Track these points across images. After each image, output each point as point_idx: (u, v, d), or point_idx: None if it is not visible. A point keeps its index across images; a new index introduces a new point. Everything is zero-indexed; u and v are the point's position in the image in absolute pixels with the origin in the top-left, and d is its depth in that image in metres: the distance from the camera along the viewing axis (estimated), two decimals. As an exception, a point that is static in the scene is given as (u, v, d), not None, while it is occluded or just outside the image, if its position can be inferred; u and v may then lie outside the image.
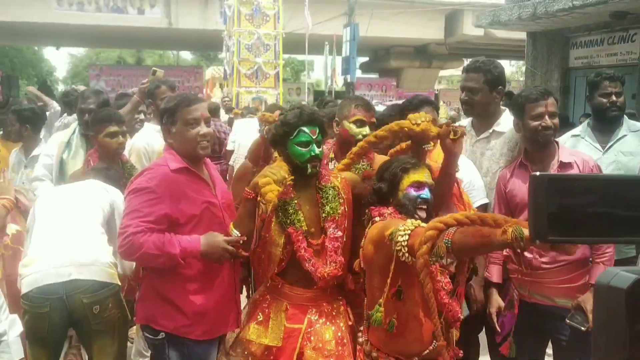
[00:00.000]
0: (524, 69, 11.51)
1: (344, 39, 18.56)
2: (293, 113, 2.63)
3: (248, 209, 2.60)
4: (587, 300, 2.76)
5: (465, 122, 3.55)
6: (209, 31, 20.40)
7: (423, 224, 2.11)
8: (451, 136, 2.54)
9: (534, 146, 2.98)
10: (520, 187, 2.97)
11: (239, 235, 2.60)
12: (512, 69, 39.47)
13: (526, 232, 1.67)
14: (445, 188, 2.65)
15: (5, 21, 19.37)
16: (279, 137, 2.63)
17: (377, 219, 2.44)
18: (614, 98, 3.55)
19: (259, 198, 2.51)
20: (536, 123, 2.89)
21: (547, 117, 2.88)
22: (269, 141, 2.75)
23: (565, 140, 3.57)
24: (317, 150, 2.61)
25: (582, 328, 2.74)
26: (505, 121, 3.29)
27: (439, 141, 2.66)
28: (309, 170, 2.59)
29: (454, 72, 39.12)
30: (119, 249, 2.61)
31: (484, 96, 3.32)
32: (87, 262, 2.89)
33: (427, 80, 28.15)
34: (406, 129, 2.61)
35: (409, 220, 2.20)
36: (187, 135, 2.67)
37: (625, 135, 3.53)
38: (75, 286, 2.84)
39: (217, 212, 2.74)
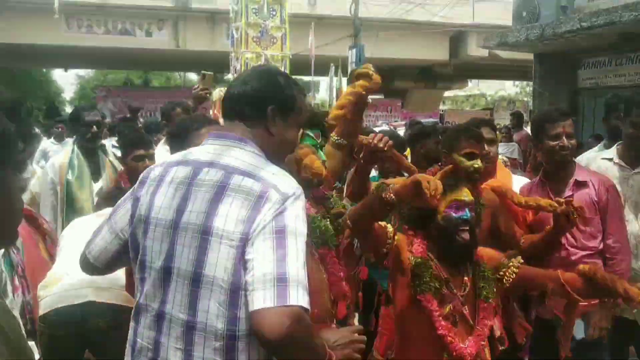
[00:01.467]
0: (527, 89, 11.55)
1: (349, 60, 18.67)
2: None
3: (372, 204, 2.23)
4: (594, 314, 2.80)
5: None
6: (216, 53, 20.55)
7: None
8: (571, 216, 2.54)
9: (552, 165, 3.05)
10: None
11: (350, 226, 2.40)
12: (516, 90, 39.63)
13: (395, 186, 2.01)
14: (543, 253, 2.77)
15: (15, 44, 19.58)
16: None
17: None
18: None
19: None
20: (554, 143, 2.94)
21: (564, 137, 2.94)
22: None
23: (591, 160, 3.52)
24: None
25: (578, 337, 2.78)
26: None
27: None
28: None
29: (458, 93, 39.33)
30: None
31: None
32: (105, 285, 2.87)
33: (432, 101, 28.25)
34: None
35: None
36: None
37: None
38: (93, 309, 2.82)
39: None
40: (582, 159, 3.42)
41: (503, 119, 18.75)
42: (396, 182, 2.26)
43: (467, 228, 2.33)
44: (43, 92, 37.79)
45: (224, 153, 1.71)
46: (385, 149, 2.53)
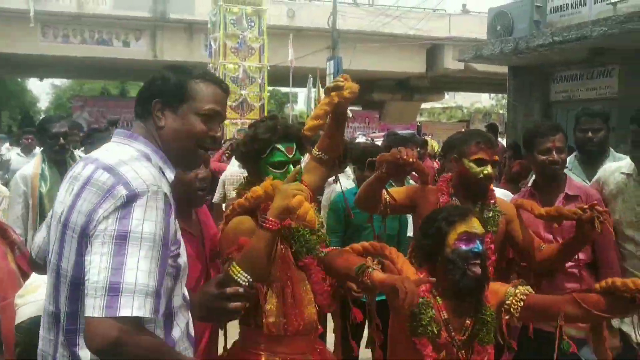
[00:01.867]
0: (503, 101, 11.75)
1: (327, 72, 18.80)
2: (265, 126, 2.28)
3: (268, 245, 1.95)
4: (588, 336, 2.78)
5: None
6: (193, 63, 20.55)
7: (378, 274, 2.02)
8: (595, 225, 2.41)
9: (542, 179, 3.10)
10: (529, 217, 2.99)
11: (250, 280, 1.89)
12: (492, 102, 40.18)
13: (377, 275, 1.96)
14: (557, 265, 2.71)
15: (-11, 53, 19.36)
16: (248, 155, 2.30)
17: None
18: (590, 134, 3.60)
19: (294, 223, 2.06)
20: (544, 157, 2.99)
21: (554, 152, 2.97)
22: (237, 158, 2.42)
23: (608, 172, 3.58)
24: (285, 174, 2.24)
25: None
26: None
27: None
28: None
29: (435, 105, 39.77)
30: None
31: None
32: None
33: (409, 113, 28.53)
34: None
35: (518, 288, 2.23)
36: (183, 179, 2.22)
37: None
38: None
39: (201, 275, 2.30)
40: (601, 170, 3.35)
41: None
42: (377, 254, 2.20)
43: (479, 262, 2.16)
44: (17, 102, 37.31)
45: (109, 149, 1.68)
46: (413, 161, 2.47)
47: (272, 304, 2.14)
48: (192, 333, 1.70)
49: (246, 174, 2.44)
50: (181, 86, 1.69)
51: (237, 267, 1.88)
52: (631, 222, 2.82)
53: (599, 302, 2.14)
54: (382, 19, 21.23)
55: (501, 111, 28.15)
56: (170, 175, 1.66)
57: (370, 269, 2.00)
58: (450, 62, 21.06)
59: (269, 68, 17.08)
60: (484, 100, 41.36)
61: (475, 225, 2.19)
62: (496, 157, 2.73)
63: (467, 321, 2.22)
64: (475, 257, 2.15)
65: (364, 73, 23.51)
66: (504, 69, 11.46)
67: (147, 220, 1.47)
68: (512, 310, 2.23)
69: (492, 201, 2.75)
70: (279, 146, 2.23)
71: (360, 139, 13.39)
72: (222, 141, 11.60)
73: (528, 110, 10.54)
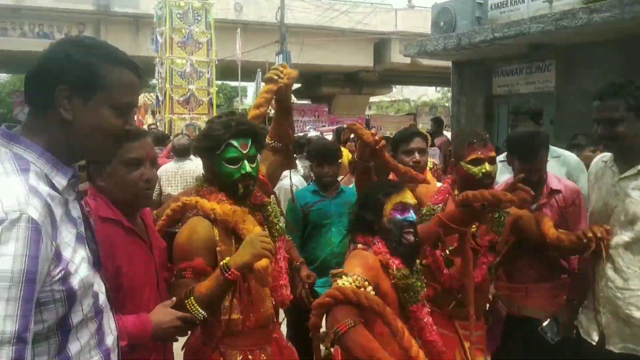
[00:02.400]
0: (449, 95, 12.06)
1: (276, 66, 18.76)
2: (220, 122, 2.26)
3: (223, 290, 2.03)
4: (563, 314, 2.93)
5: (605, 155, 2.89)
6: (140, 57, 20.10)
7: (369, 288, 2.12)
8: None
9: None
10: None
11: (205, 316, 2.01)
12: (438, 95, 40.93)
13: None
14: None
15: None
16: (203, 152, 2.29)
17: (360, 245, 2.33)
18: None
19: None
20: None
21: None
22: (193, 154, 2.47)
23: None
24: (249, 168, 2.23)
25: (552, 340, 2.87)
26: None
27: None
28: (241, 192, 2.23)
29: (383, 98, 40.25)
30: None
31: (628, 127, 2.51)
32: None
33: (358, 106, 28.79)
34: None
35: (359, 278, 2.13)
36: (126, 179, 2.03)
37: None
38: None
39: (152, 281, 2.12)
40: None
41: (426, 124, 19.40)
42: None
43: (412, 230, 2.32)
44: (-47, 97, 35.68)
45: None
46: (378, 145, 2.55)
47: (229, 301, 2.13)
48: (110, 341, 1.52)
49: (180, 170, 2.51)
50: (93, 71, 1.39)
51: (195, 304, 1.99)
52: (600, 210, 2.68)
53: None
54: (329, 14, 21.34)
55: (447, 104, 28.72)
56: (61, 181, 1.38)
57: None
58: (397, 56, 21.31)
59: (217, 62, 16.95)
60: (431, 93, 42.13)
61: (408, 197, 2.36)
62: (492, 154, 2.73)
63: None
64: (410, 226, 2.31)
65: (313, 67, 23.60)
66: (449, 63, 11.76)
67: (5, 256, 1.22)
68: None
69: None
70: (233, 142, 2.21)
71: (312, 133, 13.48)
72: (171, 136, 11.47)
73: (471, 104, 10.87)
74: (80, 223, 1.44)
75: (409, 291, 2.25)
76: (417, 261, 2.44)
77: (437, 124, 11.32)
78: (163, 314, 1.96)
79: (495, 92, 10.78)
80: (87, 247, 1.44)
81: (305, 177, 6.89)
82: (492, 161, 2.70)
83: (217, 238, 2.17)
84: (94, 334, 1.45)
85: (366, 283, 2.12)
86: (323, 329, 2.18)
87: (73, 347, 1.40)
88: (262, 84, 12.57)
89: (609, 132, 2.52)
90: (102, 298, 1.49)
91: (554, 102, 9.43)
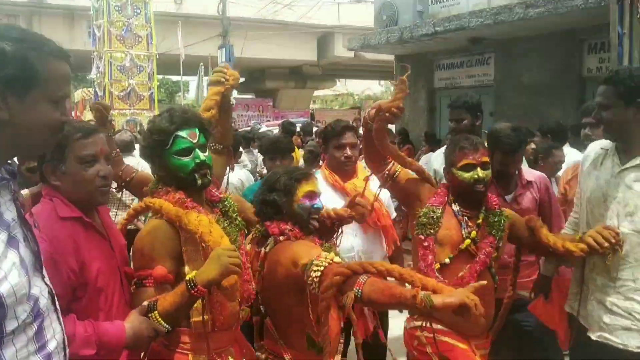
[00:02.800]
0: (392, 88, 12.20)
1: (219, 60, 18.54)
2: (162, 118, 2.20)
3: (188, 305, 1.96)
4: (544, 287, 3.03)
5: (605, 142, 2.73)
6: (76, 51, 19.47)
7: (337, 259, 2.11)
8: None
9: (499, 167, 3.22)
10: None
11: (169, 329, 1.91)
12: (382, 89, 41.38)
13: (436, 300, 1.79)
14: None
15: None
16: (151, 150, 2.19)
17: (281, 237, 2.33)
18: (453, 125, 3.75)
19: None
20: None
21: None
22: (140, 155, 2.29)
23: (437, 155, 3.85)
24: (203, 156, 2.18)
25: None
26: None
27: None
28: (199, 182, 2.16)
29: (327, 92, 40.38)
30: None
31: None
32: None
33: (302, 100, 28.80)
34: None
35: (323, 254, 2.12)
36: (82, 177, 1.98)
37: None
38: None
39: (115, 278, 2.05)
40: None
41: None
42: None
43: (318, 217, 2.46)
44: None
45: None
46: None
47: (197, 302, 2.04)
48: (53, 345, 1.44)
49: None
50: (27, 66, 1.30)
51: (159, 318, 1.89)
52: (598, 199, 2.55)
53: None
54: (272, 7, 21.21)
55: (390, 97, 29.11)
56: None
57: (427, 297, 1.87)
58: (341, 50, 21.43)
59: (157, 56, 16.57)
60: (375, 87, 42.54)
61: (316, 185, 2.50)
62: (485, 158, 2.65)
63: None
64: (316, 213, 2.45)
65: (256, 61, 23.44)
66: (391, 57, 11.89)
67: None
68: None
69: (496, 204, 2.72)
70: (181, 133, 2.15)
71: (264, 129, 13.40)
72: (113, 132, 11.09)
73: (414, 97, 11.03)
74: (14, 225, 1.35)
75: None
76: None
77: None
78: (138, 321, 1.88)
79: (437, 85, 10.98)
80: (21, 250, 1.35)
81: (252, 172, 6.84)
82: (484, 166, 2.62)
83: (180, 241, 2.09)
84: (32, 339, 1.38)
85: (333, 255, 2.15)
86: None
87: (7, 352, 1.33)
88: (206, 78, 12.47)
89: (597, 116, 2.52)
90: (43, 302, 1.41)
91: (493, 94, 9.68)
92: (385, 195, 3.43)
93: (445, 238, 2.64)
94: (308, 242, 2.34)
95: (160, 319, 1.88)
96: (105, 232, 2.07)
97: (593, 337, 2.49)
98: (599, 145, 2.70)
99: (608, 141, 2.62)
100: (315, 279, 2.05)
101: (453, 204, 2.69)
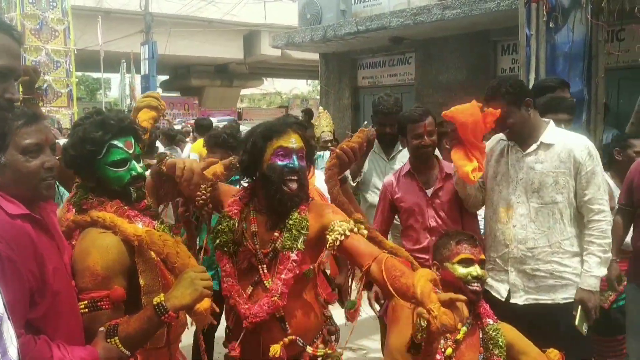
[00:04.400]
0: (319, 87, 12.32)
1: (142, 57, 18.12)
2: (94, 123, 1.98)
3: (155, 331, 1.83)
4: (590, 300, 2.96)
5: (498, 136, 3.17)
6: (-14, 46, 18.50)
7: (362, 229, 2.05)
8: None
9: (417, 161, 3.35)
10: (406, 194, 3.34)
11: (129, 355, 1.78)
12: (309, 88, 41.60)
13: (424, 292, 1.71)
14: None
15: None
16: (80, 159, 1.99)
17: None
18: (377, 129, 3.84)
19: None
20: (417, 142, 3.26)
21: (425, 136, 3.26)
22: (66, 164, 2.04)
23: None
24: (139, 168, 2.04)
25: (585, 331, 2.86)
26: (552, 133, 2.98)
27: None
28: (134, 196, 2.02)
29: (255, 91, 40.19)
30: None
31: (517, 117, 2.91)
32: None
33: (229, 99, 28.54)
34: None
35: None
36: (26, 169, 1.75)
37: (401, 150, 4.02)
38: None
39: (68, 286, 1.84)
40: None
41: (298, 116, 19.64)
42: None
43: (295, 178, 2.14)
44: None
45: None
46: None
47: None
48: (14, 353, 1.37)
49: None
50: None
51: (120, 345, 1.75)
52: (504, 180, 2.98)
53: (401, 285, 1.87)
54: (196, 3, 20.89)
55: (317, 96, 29.35)
56: None
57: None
58: (267, 49, 21.37)
59: (75, 52, 15.96)
60: (302, 86, 42.70)
61: (292, 140, 2.16)
62: (482, 256, 2.45)
63: (275, 234, 2.18)
64: (292, 173, 2.13)
65: (181, 58, 23.05)
66: (317, 56, 11.98)
67: None
68: (329, 245, 2.09)
69: (489, 320, 2.38)
70: (116, 142, 1.98)
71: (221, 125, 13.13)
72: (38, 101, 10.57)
73: (339, 95, 11.17)
74: None
75: (216, 234, 2.24)
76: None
77: (308, 116, 11.51)
78: (107, 349, 1.74)
79: (360, 83, 11.16)
80: None
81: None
82: (482, 264, 2.43)
83: (130, 253, 1.91)
84: None
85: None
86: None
87: None
88: (128, 76, 12.08)
89: (502, 127, 2.94)
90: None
91: (414, 93, 9.95)
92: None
93: None
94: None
95: (121, 346, 1.74)
96: (52, 232, 1.85)
97: (520, 301, 2.91)
98: (499, 137, 3.13)
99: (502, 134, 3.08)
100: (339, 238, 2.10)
101: None
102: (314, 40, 10.08)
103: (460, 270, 2.35)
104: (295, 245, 2.13)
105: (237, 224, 2.21)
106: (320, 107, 6.63)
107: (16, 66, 1.37)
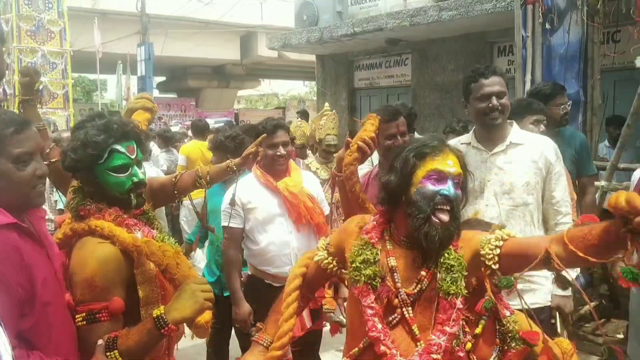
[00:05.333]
0: (316, 89, 12.32)
1: (138, 58, 18.08)
2: (96, 127, 1.94)
3: (155, 344, 1.80)
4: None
5: (467, 136, 3.10)
6: (-18, 47, 18.44)
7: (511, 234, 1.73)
8: None
9: (387, 162, 3.14)
10: (374, 197, 3.17)
11: None
12: (306, 90, 41.59)
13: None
14: None
15: None
16: (81, 163, 1.93)
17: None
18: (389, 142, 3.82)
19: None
20: (389, 142, 3.05)
21: (398, 136, 3.10)
22: (66, 168, 2.00)
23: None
24: (141, 174, 2.00)
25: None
26: (518, 133, 2.95)
27: None
28: (134, 202, 1.98)
29: (252, 92, 40.16)
30: None
31: (508, 99, 2.90)
32: None
33: (226, 100, 28.50)
34: None
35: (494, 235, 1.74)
36: (19, 178, 1.69)
37: None
38: None
39: (59, 290, 1.79)
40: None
41: (294, 117, 19.65)
42: None
43: (448, 208, 1.79)
44: None
45: None
46: None
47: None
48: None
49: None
50: None
51: (119, 358, 1.72)
52: (471, 188, 2.70)
53: (588, 236, 1.49)
54: (193, 4, 20.87)
55: (314, 98, 29.35)
56: None
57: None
58: (264, 50, 21.35)
59: (72, 53, 15.91)
60: (299, 87, 42.69)
61: (449, 164, 1.82)
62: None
63: (422, 272, 1.82)
64: (445, 202, 1.78)
65: (178, 60, 23.01)
66: (314, 57, 11.99)
67: None
68: (488, 261, 1.74)
69: (506, 312, 2.03)
70: (119, 147, 1.93)
71: (175, 128, 13.11)
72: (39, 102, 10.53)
73: (335, 97, 11.17)
74: None
75: (352, 266, 1.85)
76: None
77: (304, 117, 11.53)
78: None
79: (357, 85, 11.17)
80: None
81: (169, 172, 6.71)
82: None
83: (129, 264, 1.87)
84: None
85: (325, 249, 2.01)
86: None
87: None
88: (124, 77, 12.04)
89: (500, 104, 2.77)
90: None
91: (410, 94, 9.96)
92: (318, 192, 3.53)
93: None
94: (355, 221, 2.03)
95: (119, 358, 1.71)
96: (41, 240, 1.79)
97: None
98: (457, 141, 3.04)
99: (465, 136, 3.04)
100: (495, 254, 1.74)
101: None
102: (311, 41, 10.08)
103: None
104: (460, 291, 1.77)
105: (379, 254, 1.86)
106: (327, 105, 6.06)
107: None
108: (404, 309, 1.81)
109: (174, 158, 8.37)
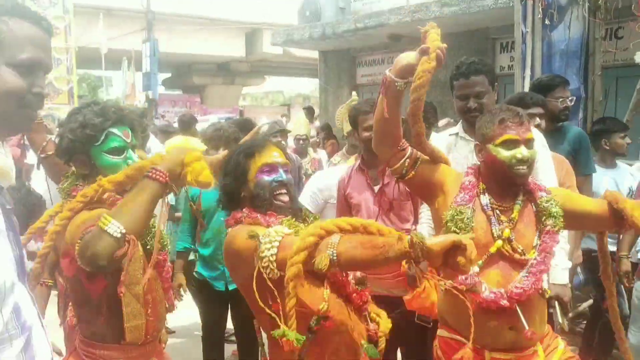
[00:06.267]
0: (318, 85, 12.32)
1: (143, 55, 18.10)
2: (93, 111, 2.01)
3: (151, 200, 1.74)
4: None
5: (456, 128, 3.14)
6: (-12, 43, 18.50)
7: (289, 230, 1.82)
8: None
9: (368, 154, 3.18)
10: (356, 189, 3.21)
11: (123, 232, 1.64)
12: (312, 87, 41.60)
13: (429, 241, 1.50)
14: None
15: None
16: (78, 144, 1.98)
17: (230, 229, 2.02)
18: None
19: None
20: (367, 134, 3.02)
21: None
22: (57, 153, 2.07)
23: (440, 138, 3.83)
24: (135, 158, 2.05)
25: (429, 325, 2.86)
26: None
27: None
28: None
29: (257, 89, 40.17)
30: None
31: (490, 98, 2.90)
32: None
33: (231, 97, 28.50)
34: None
35: (271, 229, 1.82)
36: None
37: None
38: None
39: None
40: (433, 137, 3.52)
41: (299, 115, 19.64)
42: None
43: (285, 191, 2.04)
44: None
45: None
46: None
47: (131, 306, 1.89)
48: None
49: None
50: None
51: (109, 217, 1.64)
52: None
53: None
54: (198, 1, 20.90)
55: (317, 95, 29.37)
56: None
57: (419, 237, 1.54)
58: (269, 47, 21.37)
59: (77, 49, 15.96)
60: (304, 84, 42.67)
61: (275, 155, 2.07)
62: (529, 135, 2.19)
63: None
64: (281, 187, 2.03)
65: (183, 56, 23.02)
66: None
67: None
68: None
69: (540, 189, 2.26)
70: (115, 130, 1.99)
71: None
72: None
73: (338, 93, 11.16)
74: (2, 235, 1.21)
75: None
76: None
77: (309, 113, 11.54)
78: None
79: (359, 81, 11.14)
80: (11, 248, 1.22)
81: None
82: (529, 144, 2.18)
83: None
84: (21, 353, 1.22)
85: (284, 229, 1.91)
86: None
87: None
88: (129, 73, 12.02)
89: (477, 104, 2.85)
90: (29, 313, 1.26)
91: (412, 90, 9.93)
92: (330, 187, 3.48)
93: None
94: (250, 224, 1.97)
95: (109, 219, 1.64)
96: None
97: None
98: (446, 133, 3.14)
99: (454, 127, 3.12)
100: (271, 259, 1.74)
101: (482, 195, 2.23)
102: (313, 37, 10.07)
103: (504, 153, 2.12)
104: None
105: None
106: (354, 95, 6.36)
107: (43, 58, 1.29)
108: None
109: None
